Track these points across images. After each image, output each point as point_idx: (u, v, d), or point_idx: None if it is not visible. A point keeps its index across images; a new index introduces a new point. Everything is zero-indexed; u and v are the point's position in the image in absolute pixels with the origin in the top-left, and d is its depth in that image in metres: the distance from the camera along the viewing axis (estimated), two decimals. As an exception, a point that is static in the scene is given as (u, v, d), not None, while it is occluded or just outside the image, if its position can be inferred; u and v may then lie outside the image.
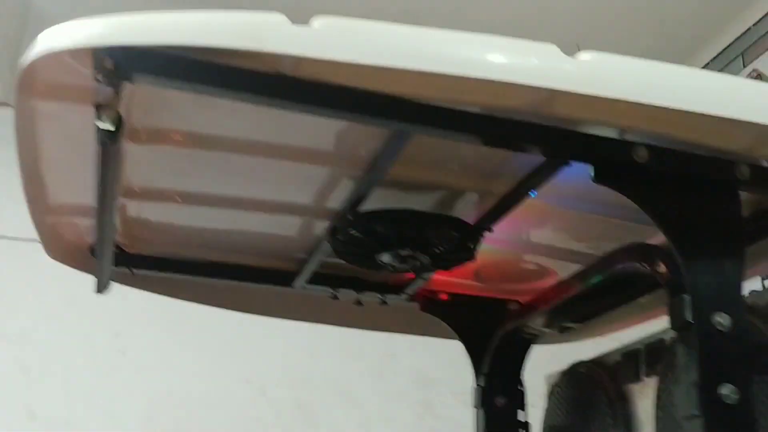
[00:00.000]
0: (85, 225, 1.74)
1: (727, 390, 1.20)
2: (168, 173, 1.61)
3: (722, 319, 1.24)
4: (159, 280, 1.92)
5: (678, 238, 1.29)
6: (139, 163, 1.52)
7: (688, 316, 1.25)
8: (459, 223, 1.58)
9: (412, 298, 2.03)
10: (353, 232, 1.54)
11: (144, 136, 1.40)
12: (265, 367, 3.62)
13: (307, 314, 2.13)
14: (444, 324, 2.06)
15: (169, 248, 1.87)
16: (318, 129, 1.36)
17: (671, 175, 1.30)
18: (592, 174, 1.27)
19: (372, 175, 1.44)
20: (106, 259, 1.68)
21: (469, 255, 1.65)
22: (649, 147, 1.26)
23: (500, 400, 1.99)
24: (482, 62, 1.13)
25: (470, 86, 1.11)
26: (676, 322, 1.28)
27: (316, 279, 1.93)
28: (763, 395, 1.36)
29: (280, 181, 1.61)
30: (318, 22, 1.06)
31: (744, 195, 1.38)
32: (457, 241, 1.59)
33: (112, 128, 1.12)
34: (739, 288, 1.30)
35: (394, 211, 1.55)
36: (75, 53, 1.07)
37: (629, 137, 1.26)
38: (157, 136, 1.43)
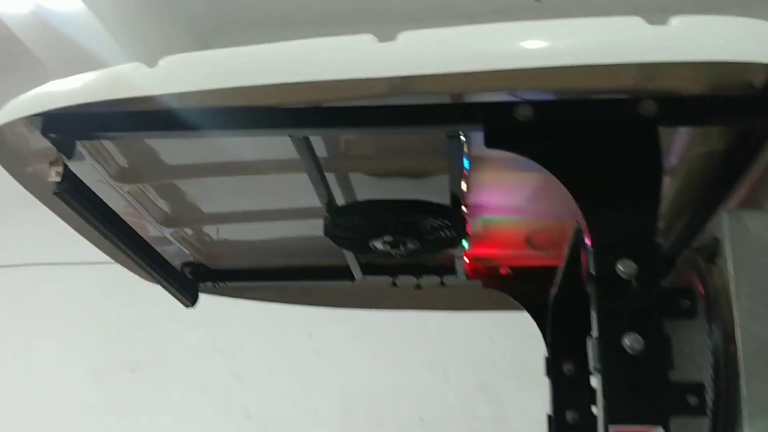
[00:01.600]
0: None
1: (630, 340, 1.17)
2: (216, 199, 1.89)
3: (625, 267, 1.20)
4: (240, 288, 2.21)
5: (576, 189, 1.27)
6: (200, 195, 1.81)
7: (591, 267, 1.23)
8: (432, 206, 1.64)
9: (473, 277, 2.09)
10: (335, 226, 1.68)
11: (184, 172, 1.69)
12: (446, 354, 3.78)
13: (375, 302, 2.28)
14: (509, 297, 2.09)
15: (241, 261, 2.15)
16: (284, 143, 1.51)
17: (563, 127, 1.28)
18: (484, 140, 1.29)
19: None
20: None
21: (457, 233, 1.70)
22: (532, 104, 1.25)
23: (568, 368, 1.98)
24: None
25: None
26: (585, 275, 1.26)
27: (374, 270, 2.08)
28: (680, 339, 1.28)
29: (291, 191, 1.80)
30: (164, 61, 1.25)
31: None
32: (438, 222, 1.66)
33: (58, 180, 1.40)
34: (650, 232, 1.24)
35: (365, 202, 1.67)
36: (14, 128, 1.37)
37: (510, 98, 1.27)
38: (192, 172, 1.70)
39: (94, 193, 1.58)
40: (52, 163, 1.41)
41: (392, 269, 2.09)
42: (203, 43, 4.45)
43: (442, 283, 2.10)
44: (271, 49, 1.22)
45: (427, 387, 3.78)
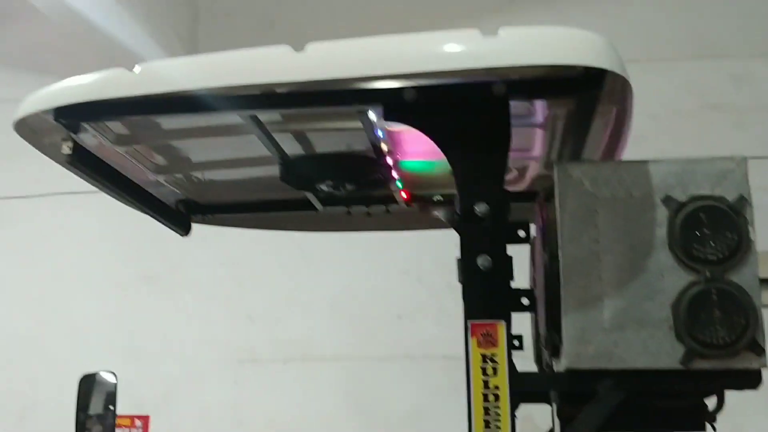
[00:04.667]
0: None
1: (482, 260, 1.66)
2: (206, 152, 2.35)
3: (480, 208, 1.67)
4: (224, 218, 2.70)
5: (447, 150, 1.73)
6: (192, 149, 2.28)
7: (457, 208, 1.70)
8: (361, 157, 2.11)
9: (412, 204, 2.56)
10: (288, 174, 2.15)
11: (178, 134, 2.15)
12: (419, 259, 4.31)
13: (337, 226, 2.77)
14: (441, 219, 2.57)
15: (224, 196, 2.63)
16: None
17: (438, 105, 1.72)
18: (382, 115, 1.74)
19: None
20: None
21: (384, 176, 2.17)
22: (416, 88, 1.69)
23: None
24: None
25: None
26: (455, 216, 1.73)
27: (331, 202, 2.55)
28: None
29: (255, 145, 2.26)
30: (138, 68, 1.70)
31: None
32: (367, 169, 2.13)
33: (69, 152, 1.87)
34: (499, 181, 1.71)
35: (308, 156, 2.13)
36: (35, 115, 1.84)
37: (402, 83, 1.70)
38: (182, 134, 2.17)
39: (98, 158, 2.06)
40: (63, 139, 1.88)
41: (346, 200, 2.55)
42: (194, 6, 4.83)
43: (388, 211, 2.57)
44: (211, 59, 1.68)
45: (403, 287, 4.33)
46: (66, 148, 1.88)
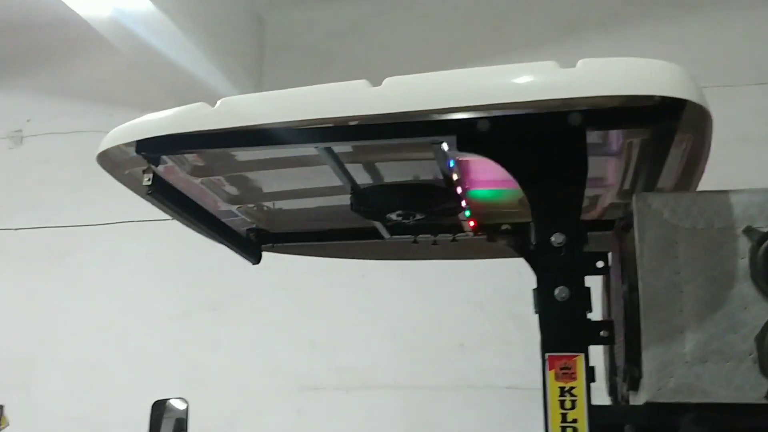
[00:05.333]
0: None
1: (559, 291, 1.65)
2: (278, 183, 2.39)
3: (557, 238, 1.67)
4: (293, 247, 2.74)
5: (522, 180, 1.73)
6: (264, 180, 2.32)
7: (533, 239, 1.70)
8: (431, 187, 2.12)
9: (479, 233, 2.56)
10: (358, 204, 2.18)
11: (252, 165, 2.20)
12: (481, 288, 4.28)
13: (402, 255, 2.79)
14: (506, 247, 2.56)
15: (293, 226, 2.68)
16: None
17: (512, 135, 1.72)
18: (455, 146, 1.76)
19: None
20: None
21: (454, 205, 2.19)
22: (489, 119, 1.71)
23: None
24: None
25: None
26: (530, 246, 1.73)
27: (399, 230, 2.57)
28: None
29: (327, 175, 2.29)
30: (220, 102, 1.75)
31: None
32: (437, 199, 2.14)
33: (149, 183, 1.93)
34: (576, 211, 1.70)
35: (379, 186, 2.16)
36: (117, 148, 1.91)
37: (475, 114, 1.71)
38: (256, 166, 2.21)
39: (175, 188, 2.12)
40: (144, 171, 1.94)
41: (413, 229, 2.57)
42: (259, 20, 4.93)
43: (454, 239, 2.58)
44: (289, 94, 1.72)
45: (465, 317, 4.30)
46: (146, 180, 1.93)
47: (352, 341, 4.48)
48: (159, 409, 2.62)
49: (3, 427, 4.84)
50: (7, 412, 4.86)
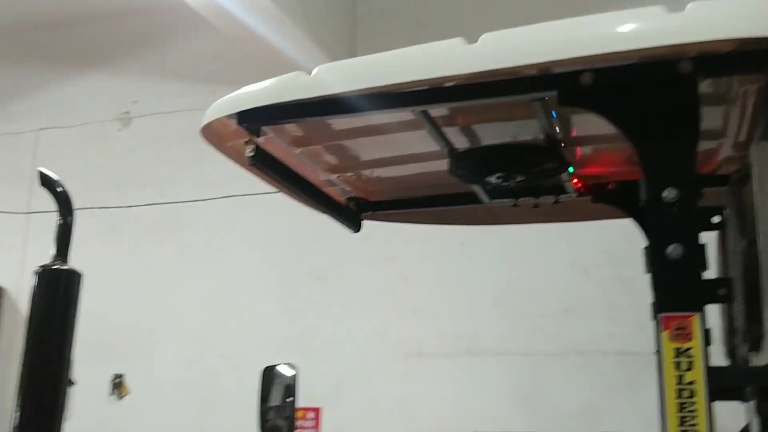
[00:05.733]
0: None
1: (673, 249, 1.57)
2: (375, 150, 2.39)
3: (669, 194, 1.59)
4: (392, 214, 2.73)
5: (631, 134, 1.65)
6: (362, 148, 2.33)
7: (643, 195, 1.63)
8: (533, 146, 2.06)
9: (583, 194, 2.48)
10: (456, 168, 2.14)
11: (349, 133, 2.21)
12: (586, 252, 4.18)
13: (502, 219, 2.73)
14: (614, 207, 2.47)
15: (391, 193, 2.66)
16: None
17: (617, 87, 1.64)
18: (557, 102, 1.70)
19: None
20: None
21: (557, 164, 2.11)
22: (592, 71, 1.63)
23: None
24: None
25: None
26: (641, 203, 1.65)
27: (498, 194, 2.52)
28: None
29: (424, 140, 2.27)
30: (317, 70, 1.75)
31: None
32: (539, 158, 2.08)
33: (252, 154, 1.95)
34: (690, 164, 1.61)
35: (478, 148, 2.11)
36: (219, 120, 1.94)
37: (578, 67, 1.64)
38: (353, 133, 2.22)
39: (277, 159, 2.13)
40: (246, 143, 1.96)
41: (514, 193, 2.51)
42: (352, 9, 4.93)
43: (557, 202, 2.51)
44: (384, 57, 1.69)
45: (569, 282, 4.22)
46: (249, 151, 1.96)
47: (455, 308, 4.47)
48: (269, 374, 2.67)
49: (124, 395, 5.09)
50: (127, 381, 5.11)
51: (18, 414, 1.86)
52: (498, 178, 2.15)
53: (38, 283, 1.92)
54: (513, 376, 4.35)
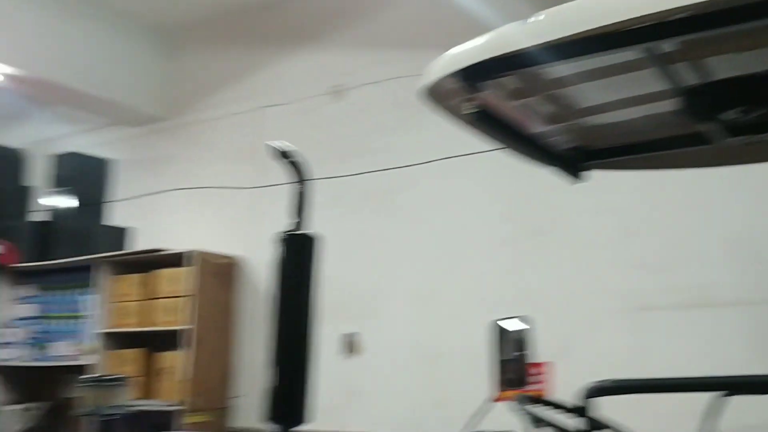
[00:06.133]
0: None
1: None
2: (595, 96, 2.33)
3: None
4: (613, 162, 2.65)
5: None
6: (580, 94, 2.29)
7: None
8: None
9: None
10: (689, 105, 2.03)
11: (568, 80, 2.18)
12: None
13: (734, 160, 2.55)
14: None
15: (610, 140, 2.59)
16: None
17: None
18: None
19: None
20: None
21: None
22: None
23: None
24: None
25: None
26: None
27: (733, 132, 2.37)
28: None
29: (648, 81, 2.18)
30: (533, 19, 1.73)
31: None
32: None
33: (473, 110, 1.98)
34: None
35: (712, 83, 1.99)
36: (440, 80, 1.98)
37: None
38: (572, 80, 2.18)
39: (493, 115, 2.15)
40: (466, 99, 1.99)
41: (749, 129, 2.33)
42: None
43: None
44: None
45: (720, 255, 3.90)
46: (471, 108, 1.99)
47: (684, 259, 4.27)
48: (500, 329, 2.69)
49: (355, 353, 5.38)
50: (359, 339, 5.40)
51: (276, 369, 1.99)
52: (736, 114, 2.02)
53: (285, 247, 2.06)
54: (752, 327, 4.08)
